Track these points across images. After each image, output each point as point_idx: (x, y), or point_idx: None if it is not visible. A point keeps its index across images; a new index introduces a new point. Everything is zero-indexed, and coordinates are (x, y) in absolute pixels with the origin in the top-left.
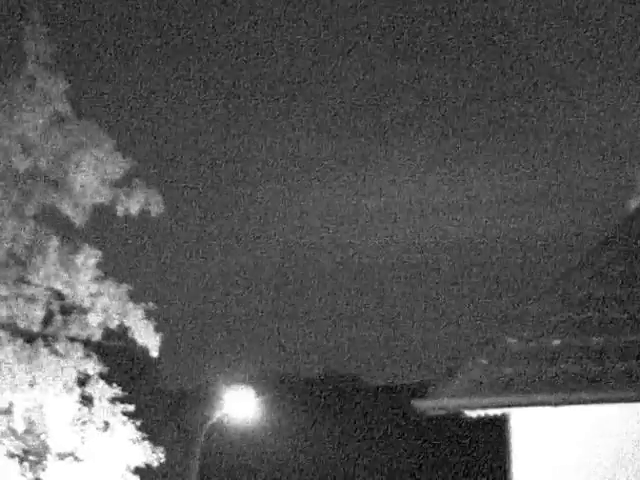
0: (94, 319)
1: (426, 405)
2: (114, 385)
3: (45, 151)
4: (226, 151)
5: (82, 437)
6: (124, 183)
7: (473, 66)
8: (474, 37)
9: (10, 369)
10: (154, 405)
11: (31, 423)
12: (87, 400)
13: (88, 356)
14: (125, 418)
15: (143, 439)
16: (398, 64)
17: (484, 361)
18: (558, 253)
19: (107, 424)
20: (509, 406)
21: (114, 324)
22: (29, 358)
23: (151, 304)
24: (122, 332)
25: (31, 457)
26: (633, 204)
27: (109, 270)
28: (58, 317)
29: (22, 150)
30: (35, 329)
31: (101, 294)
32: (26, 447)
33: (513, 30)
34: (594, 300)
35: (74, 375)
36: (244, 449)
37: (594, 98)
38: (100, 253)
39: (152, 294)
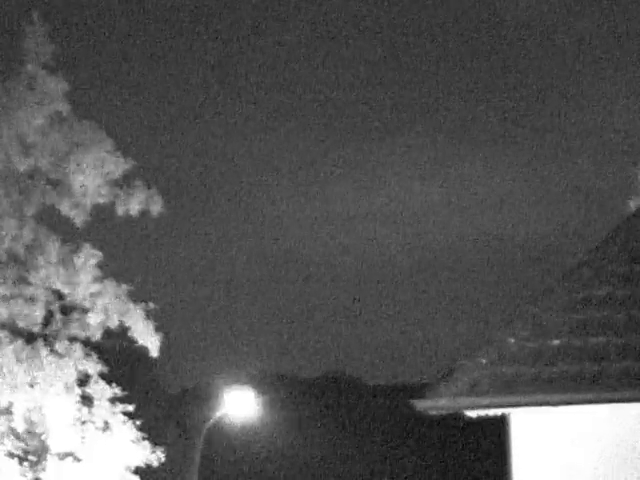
0: (94, 319)
1: (426, 405)
2: (114, 385)
3: (45, 151)
4: (226, 151)
5: (82, 437)
6: (124, 183)
7: (473, 66)
8: (474, 37)
9: (10, 369)
10: (154, 405)
11: (31, 423)
12: (87, 400)
13: (88, 356)
14: (125, 418)
15: (143, 439)
16: (399, 64)
17: (484, 361)
18: (558, 253)
19: (107, 424)
20: (509, 406)
21: (114, 324)
22: (29, 358)
23: (151, 304)
24: (122, 332)
25: (31, 457)
26: (633, 204)
27: (109, 270)
28: (58, 317)
29: (22, 150)
30: (35, 329)
31: (101, 294)
32: (26, 447)
33: (514, 30)
34: (594, 300)
35: (74, 375)
36: (244, 449)
37: (594, 98)
38: (100, 253)
39: (152, 294)
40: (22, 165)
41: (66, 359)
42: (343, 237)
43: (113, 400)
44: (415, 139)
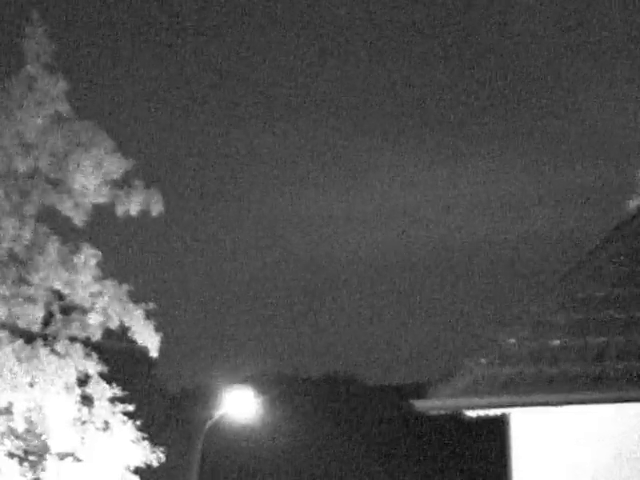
0: (94, 319)
1: (426, 405)
2: (114, 385)
3: (45, 151)
4: (226, 151)
5: (82, 437)
6: (124, 183)
7: (472, 66)
8: (474, 37)
9: (10, 369)
10: (154, 405)
11: (31, 423)
12: (87, 400)
13: (88, 356)
14: (125, 418)
15: (143, 439)
16: (398, 65)
17: (484, 361)
18: (558, 253)
19: (107, 424)
20: (509, 406)
21: (114, 324)
22: (29, 358)
23: (151, 304)
24: (122, 332)
25: (31, 457)
26: (633, 204)
27: (109, 270)
28: (58, 317)
29: (22, 150)
30: (35, 329)
31: (101, 294)
32: (26, 447)
33: (513, 30)
34: (594, 300)
35: (74, 375)
36: (244, 449)
37: (594, 98)
38: (100, 253)
39: (152, 294)
40: (22, 165)
41: (66, 359)
42: (343, 237)
43: (113, 400)
44: (416, 139)
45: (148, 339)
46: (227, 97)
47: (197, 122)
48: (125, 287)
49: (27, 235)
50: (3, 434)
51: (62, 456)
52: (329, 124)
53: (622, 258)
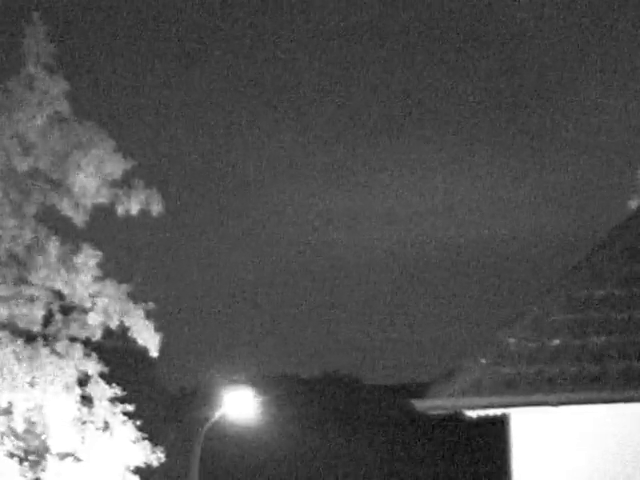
0: (94, 319)
1: (426, 405)
2: (114, 385)
3: (45, 151)
4: (227, 151)
5: (82, 437)
6: (124, 183)
7: (473, 67)
8: (474, 38)
9: (10, 369)
10: (154, 405)
11: (31, 423)
12: (87, 400)
13: (88, 356)
14: (125, 418)
15: (143, 439)
16: (399, 65)
17: (484, 361)
18: (558, 253)
19: (107, 424)
20: (509, 406)
21: (114, 324)
22: (29, 358)
23: (151, 304)
24: (122, 332)
25: (31, 457)
26: (633, 204)
27: (109, 270)
28: (58, 317)
29: (22, 150)
30: (35, 329)
31: (101, 294)
32: (26, 447)
33: (513, 31)
34: (594, 300)
35: (74, 375)
36: (244, 449)
37: (595, 98)
38: (100, 253)
39: (152, 294)
40: (22, 165)
41: (66, 359)
42: (343, 237)
43: (113, 400)
44: (417, 139)
45: (148, 339)
46: (228, 96)
47: (197, 122)
48: (125, 287)
49: (27, 235)
50: (3, 434)
51: (62, 456)
52: (332, 124)
53: (622, 258)
